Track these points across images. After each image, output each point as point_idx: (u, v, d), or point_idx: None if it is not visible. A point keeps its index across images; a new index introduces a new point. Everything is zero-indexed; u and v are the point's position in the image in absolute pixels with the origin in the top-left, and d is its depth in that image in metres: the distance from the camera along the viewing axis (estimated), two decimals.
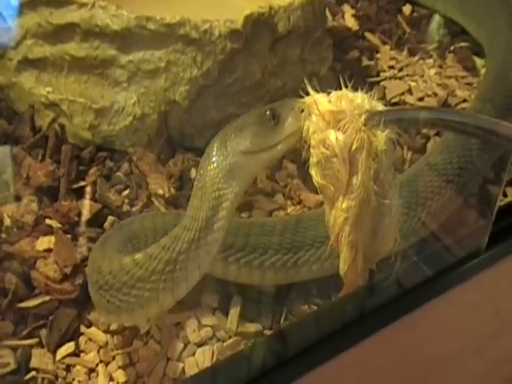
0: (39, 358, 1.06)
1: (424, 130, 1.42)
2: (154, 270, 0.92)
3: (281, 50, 1.38)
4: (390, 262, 0.87)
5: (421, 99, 1.52)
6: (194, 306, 1.12)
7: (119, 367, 1.06)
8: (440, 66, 1.62)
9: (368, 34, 1.71)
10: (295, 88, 1.38)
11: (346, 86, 0.86)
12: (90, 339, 1.09)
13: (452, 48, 1.66)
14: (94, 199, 1.25)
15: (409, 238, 1.10)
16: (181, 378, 1.04)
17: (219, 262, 1.10)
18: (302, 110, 0.88)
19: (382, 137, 0.83)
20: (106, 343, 1.09)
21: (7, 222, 1.21)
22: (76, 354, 1.08)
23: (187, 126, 1.34)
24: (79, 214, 1.21)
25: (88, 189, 1.27)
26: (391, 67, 1.62)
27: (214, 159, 0.94)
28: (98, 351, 1.08)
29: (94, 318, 1.10)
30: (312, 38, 1.42)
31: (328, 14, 1.64)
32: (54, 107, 1.35)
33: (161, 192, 1.24)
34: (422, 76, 1.58)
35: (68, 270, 1.12)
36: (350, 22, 1.73)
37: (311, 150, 0.85)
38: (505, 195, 1.31)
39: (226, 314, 1.12)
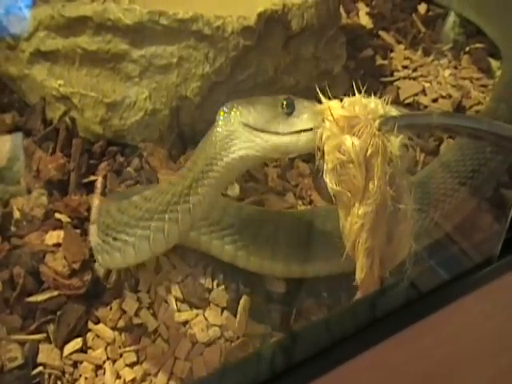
0: (46, 354, 1.06)
1: (437, 132, 1.41)
2: (149, 210, 0.96)
3: (294, 48, 1.37)
4: (402, 268, 0.86)
5: (435, 100, 1.50)
6: (203, 306, 1.12)
7: (126, 365, 1.06)
8: (455, 67, 1.61)
9: (382, 33, 1.69)
10: (308, 86, 1.40)
11: (360, 91, 0.85)
12: (98, 336, 1.09)
13: (467, 49, 1.65)
14: (103, 194, 1.24)
15: (420, 240, 1.09)
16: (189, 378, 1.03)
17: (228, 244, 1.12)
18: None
19: (396, 142, 0.82)
20: (114, 340, 1.08)
21: (17, 215, 1.21)
22: (83, 350, 1.08)
23: (199, 122, 1.33)
24: (89, 209, 1.21)
25: (98, 183, 1.26)
26: (405, 67, 1.60)
27: (216, 124, 0.98)
28: (106, 348, 1.08)
29: (102, 315, 1.10)
30: (326, 36, 1.41)
31: (342, 11, 1.62)
32: (66, 100, 1.34)
33: None
34: (437, 77, 1.57)
35: (77, 266, 1.12)
36: (365, 20, 1.71)
37: (326, 157, 0.84)
38: None
39: (235, 313, 1.11)
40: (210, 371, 1.03)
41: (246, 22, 1.28)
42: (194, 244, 1.14)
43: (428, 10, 1.77)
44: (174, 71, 1.29)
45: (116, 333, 1.09)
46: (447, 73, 1.58)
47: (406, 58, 1.62)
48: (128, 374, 1.05)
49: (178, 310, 1.11)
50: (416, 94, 1.52)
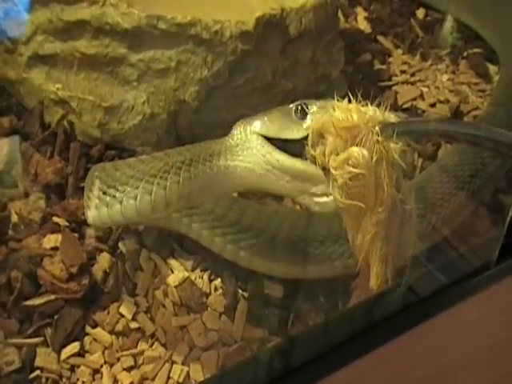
0: (44, 357, 1.06)
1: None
2: (141, 171, 0.98)
3: (292, 52, 1.37)
4: (401, 273, 0.87)
5: (433, 105, 1.51)
6: (200, 310, 1.12)
7: (124, 369, 1.06)
8: (453, 72, 1.61)
9: (380, 38, 1.69)
10: (306, 90, 1.40)
11: (356, 97, 0.85)
12: (95, 340, 1.09)
13: (465, 54, 1.65)
14: None
15: (418, 245, 1.10)
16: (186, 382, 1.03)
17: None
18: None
19: (396, 148, 0.82)
20: (111, 344, 1.08)
21: (15, 218, 1.21)
22: (81, 354, 1.08)
23: (197, 127, 1.33)
24: None
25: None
26: (403, 72, 1.60)
27: (232, 133, 0.99)
28: (103, 352, 1.08)
29: (100, 319, 1.10)
30: (324, 41, 1.41)
31: (340, 16, 1.63)
32: (64, 104, 1.34)
33: None
34: (435, 82, 1.57)
35: (74, 270, 1.11)
36: (363, 25, 1.72)
37: (334, 172, 0.83)
38: None
39: (233, 318, 1.11)
40: (208, 376, 1.03)
41: (244, 27, 1.28)
42: (195, 236, 1.15)
43: (426, 15, 1.77)
44: (172, 75, 1.29)
45: (113, 337, 1.09)
46: (445, 78, 1.59)
47: (404, 63, 1.63)
48: (125, 378, 1.05)
49: (176, 315, 1.11)
50: (414, 99, 1.52)
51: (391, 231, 0.83)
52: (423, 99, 1.53)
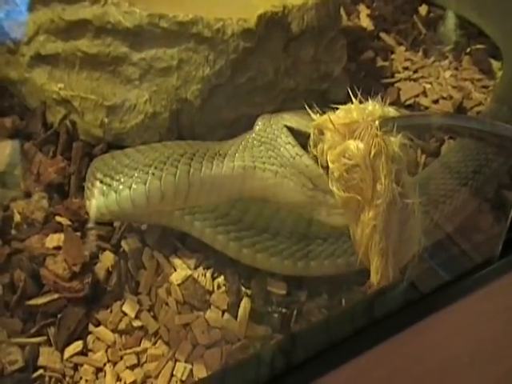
0: (47, 357, 1.06)
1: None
2: (136, 160, 0.97)
3: (294, 50, 1.37)
4: (404, 268, 0.86)
5: (436, 102, 1.50)
6: (203, 308, 1.11)
7: (127, 367, 1.06)
8: (456, 68, 1.61)
9: (383, 35, 1.69)
10: (308, 88, 1.39)
11: (356, 95, 0.85)
12: (98, 338, 1.09)
13: (468, 50, 1.65)
14: None
15: (422, 240, 1.10)
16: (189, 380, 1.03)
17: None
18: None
19: (396, 142, 0.82)
20: (114, 343, 1.08)
21: (17, 218, 1.21)
22: (84, 353, 1.07)
23: (199, 125, 1.33)
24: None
25: None
26: (406, 68, 1.60)
27: (254, 129, 0.97)
28: (106, 351, 1.07)
29: (103, 318, 1.10)
30: (326, 38, 1.41)
31: (343, 13, 1.62)
32: (66, 104, 1.34)
33: None
34: (438, 78, 1.57)
35: (77, 269, 1.12)
36: (365, 22, 1.71)
37: (331, 166, 0.83)
38: None
39: (236, 316, 1.11)
40: (211, 373, 1.03)
41: (246, 25, 1.28)
42: (198, 234, 1.15)
43: (429, 12, 1.76)
44: (174, 74, 1.28)
45: (116, 335, 1.09)
46: (448, 74, 1.58)
47: (407, 60, 1.62)
48: (129, 376, 1.05)
49: (179, 313, 1.11)
50: (417, 96, 1.52)
51: (391, 225, 0.83)
52: (426, 96, 1.52)
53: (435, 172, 1.24)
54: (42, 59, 1.35)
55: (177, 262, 1.17)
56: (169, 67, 1.28)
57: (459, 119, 0.93)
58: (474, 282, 0.94)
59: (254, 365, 0.92)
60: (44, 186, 1.25)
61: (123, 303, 1.11)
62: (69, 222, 1.20)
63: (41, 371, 1.05)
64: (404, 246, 0.85)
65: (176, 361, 1.06)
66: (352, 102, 0.86)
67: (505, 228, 0.96)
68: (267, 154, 0.94)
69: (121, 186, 0.96)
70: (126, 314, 1.10)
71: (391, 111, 0.84)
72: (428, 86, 1.55)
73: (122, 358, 1.07)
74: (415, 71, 1.59)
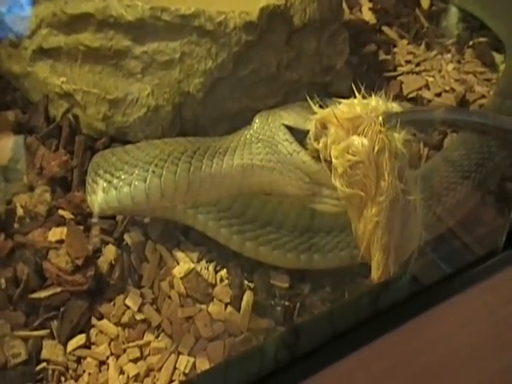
0: (50, 350, 1.06)
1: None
2: (136, 157, 0.96)
3: (297, 43, 1.36)
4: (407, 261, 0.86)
5: (438, 95, 1.50)
6: (206, 301, 1.12)
7: (130, 360, 1.06)
8: (458, 61, 1.60)
9: (385, 28, 1.68)
10: (311, 81, 1.39)
11: (359, 90, 0.85)
12: (101, 331, 1.09)
13: (471, 43, 1.64)
14: None
15: (424, 233, 1.10)
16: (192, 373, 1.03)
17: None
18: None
19: (399, 138, 0.82)
20: (117, 336, 1.08)
21: (20, 212, 1.21)
22: (87, 346, 1.08)
23: (201, 118, 1.33)
24: None
25: None
26: (408, 62, 1.59)
27: (252, 126, 0.97)
28: (109, 344, 1.08)
29: (106, 311, 1.10)
30: (328, 31, 1.41)
31: (345, 6, 1.62)
32: (68, 97, 1.34)
33: None
34: (440, 71, 1.56)
35: (80, 262, 1.12)
36: (368, 16, 1.71)
37: (334, 161, 0.83)
38: None
39: (238, 308, 1.11)
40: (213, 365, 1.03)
41: (248, 18, 1.27)
42: (201, 227, 1.15)
43: (431, 5, 1.76)
44: (177, 67, 1.28)
45: (119, 328, 1.09)
46: (451, 67, 1.58)
47: (410, 53, 1.62)
48: (132, 369, 1.05)
49: (182, 306, 1.11)
50: (419, 89, 1.51)
51: (393, 221, 0.83)
52: (429, 89, 1.52)
53: (438, 165, 1.24)
54: (44, 53, 1.35)
55: (179, 255, 1.17)
56: (171, 60, 1.28)
57: (462, 113, 0.93)
58: (477, 275, 0.94)
59: (257, 357, 0.92)
60: (47, 180, 1.26)
61: (126, 296, 1.12)
62: (71, 216, 1.20)
63: (44, 364, 1.05)
64: (405, 242, 0.86)
65: (179, 354, 1.07)
66: (355, 97, 0.86)
67: (508, 220, 0.97)
68: (265, 150, 0.94)
69: (121, 183, 0.96)
70: (128, 308, 1.11)
71: (394, 106, 0.84)
72: (431, 79, 1.54)
73: (124, 351, 1.07)
74: (418, 64, 1.59)
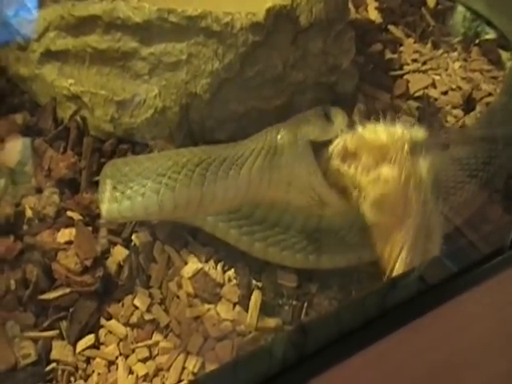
0: (59, 350, 1.07)
1: (448, 124, 1.41)
2: (149, 169, 0.97)
3: (303, 43, 1.36)
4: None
5: (445, 93, 1.50)
6: (214, 301, 1.12)
7: (139, 360, 1.07)
8: (464, 60, 1.60)
9: (391, 27, 1.69)
10: (317, 81, 1.39)
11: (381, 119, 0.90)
12: (110, 332, 1.09)
13: (477, 41, 1.64)
14: None
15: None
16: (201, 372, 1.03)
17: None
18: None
19: (424, 166, 0.89)
20: (126, 336, 1.09)
21: (29, 213, 1.22)
22: (96, 346, 1.08)
23: (208, 119, 1.33)
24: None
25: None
26: (415, 60, 1.60)
27: (275, 137, 0.98)
28: (118, 344, 1.08)
29: (114, 311, 1.11)
30: (334, 31, 1.41)
31: (351, 6, 1.62)
32: (76, 99, 1.35)
33: None
34: (446, 69, 1.56)
35: (88, 263, 1.12)
36: (374, 15, 1.71)
37: (366, 189, 0.89)
38: None
39: (246, 308, 1.11)
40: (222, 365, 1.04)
41: (254, 18, 1.28)
42: (210, 229, 1.16)
43: (437, 4, 1.76)
44: (184, 68, 1.29)
45: (128, 328, 1.09)
46: (457, 65, 1.58)
47: (416, 52, 1.62)
48: (141, 369, 1.06)
49: (190, 306, 1.12)
50: (426, 87, 1.51)
51: (418, 242, 0.90)
52: (435, 87, 1.52)
53: (445, 164, 1.24)
54: (52, 55, 1.35)
55: (187, 255, 1.18)
56: (178, 62, 1.28)
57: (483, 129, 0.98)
58: (485, 273, 0.94)
59: (265, 357, 0.93)
60: (55, 182, 1.26)
61: (135, 297, 1.12)
62: (80, 217, 1.21)
63: (53, 365, 1.06)
64: (428, 251, 0.93)
65: (187, 353, 1.07)
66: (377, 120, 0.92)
67: None
68: (287, 166, 0.96)
69: (134, 195, 0.97)
70: (137, 308, 1.11)
71: (418, 135, 0.90)
72: (437, 77, 1.55)
73: (133, 351, 1.08)
74: (424, 63, 1.59)
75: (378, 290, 0.92)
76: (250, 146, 0.98)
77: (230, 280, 1.15)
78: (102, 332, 1.09)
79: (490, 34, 1.67)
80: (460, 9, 1.73)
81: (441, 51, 1.62)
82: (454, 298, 0.91)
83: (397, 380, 0.90)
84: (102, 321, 1.10)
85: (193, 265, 1.16)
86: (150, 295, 1.13)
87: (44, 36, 1.35)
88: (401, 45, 1.65)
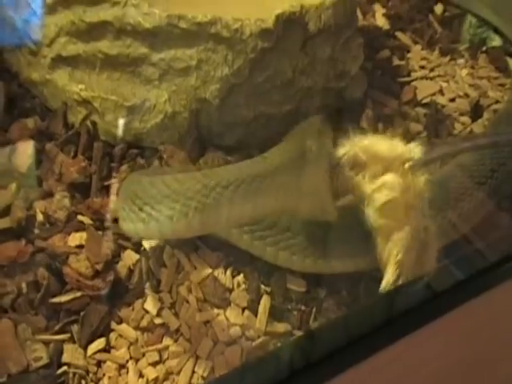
0: (71, 353, 1.08)
1: (455, 131, 1.42)
2: (177, 192, 0.98)
3: (312, 49, 1.37)
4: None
5: (452, 100, 1.51)
6: (224, 305, 1.13)
7: (149, 364, 1.07)
8: (472, 67, 1.61)
9: (399, 34, 1.69)
10: (326, 87, 1.40)
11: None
12: (121, 335, 1.10)
13: (484, 48, 1.65)
14: None
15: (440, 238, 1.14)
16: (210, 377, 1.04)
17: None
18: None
19: (422, 180, 0.99)
20: (137, 340, 1.10)
21: (40, 217, 1.22)
22: (106, 349, 1.09)
23: (218, 125, 1.34)
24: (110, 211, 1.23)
25: (119, 185, 1.28)
26: (422, 67, 1.60)
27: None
28: (129, 348, 1.09)
29: (125, 315, 1.11)
30: (343, 37, 1.42)
31: (359, 13, 1.63)
32: (87, 104, 1.36)
33: None
34: (454, 76, 1.57)
35: (99, 267, 1.13)
36: (381, 22, 1.72)
37: (373, 195, 0.99)
38: None
39: (255, 313, 1.12)
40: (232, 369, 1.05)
41: (264, 24, 1.29)
42: (224, 235, 1.18)
43: (444, 11, 1.77)
44: (193, 74, 1.30)
45: (138, 332, 1.10)
46: (464, 72, 1.58)
47: (423, 59, 1.63)
48: (151, 372, 1.06)
49: (200, 310, 1.13)
50: (433, 94, 1.52)
51: (413, 245, 0.98)
52: (443, 94, 1.53)
53: (453, 170, 1.25)
54: (63, 61, 1.36)
55: (197, 260, 1.19)
56: (188, 67, 1.29)
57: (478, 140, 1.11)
58: (493, 279, 0.94)
59: (273, 362, 0.93)
60: (66, 186, 1.27)
61: (145, 301, 1.13)
62: (90, 221, 1.22)
63: (65, 368, 1.06)
64: (421, 265, 0.99)
65: (197, 357, 1.08)
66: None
67: None
68: (308, 174, 1.02)
69: (162, 218, 0.98)
70: (147, 312, 1.12)
71: (417, 151, 1.00)
72: (444, 84, 1.55)
73: (144, 355, 1.08)
74: (431, 70, 1.59)
75: (386, 296, 0.92)
76: (270, 162, 1.01)
77: (239, 285, 1.16)
78: (112, 336, 1.10)
79: (497, 41, 1.67)
80: (467, 16, 1.73)
81: (448, 58, 1.63)
82: (462, 305, 0.92)
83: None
84: (113, 324, 1.11)
85: (202, 270, 1.17)
86: (160, 299, 1.13)
87: (55, 41, 1.36)
88: (408, 51, 1.65)
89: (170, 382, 1.06)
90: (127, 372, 1.07)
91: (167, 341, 1.10)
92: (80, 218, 1.23)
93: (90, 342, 1.09)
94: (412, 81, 1.57)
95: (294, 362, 0.89)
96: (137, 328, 1.11)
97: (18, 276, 1.13)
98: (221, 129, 1.35)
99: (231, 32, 1.27)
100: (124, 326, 1.11)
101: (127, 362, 1.08)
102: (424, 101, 1.51)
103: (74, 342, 1.09)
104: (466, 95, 1.52)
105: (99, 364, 1.08)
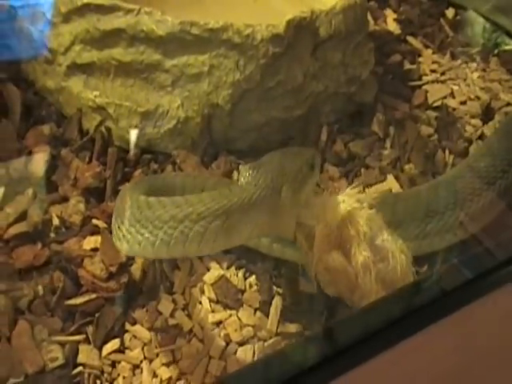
0: (86, 354, 1.09)
1: (466, 134, 1.42)
2: (175, 217, 0.97)
3: (322, 54, 1.39)
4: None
5: (463, 103, 1.51)
6: (236, 306, 1.14)
7: (163, 364, 1.08)
8: (483, 70, 1.61)
9: (410, 38, 1.70)
10: (336, 92, 1.42)
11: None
12: (135, 336, 1.12)
13: (496, 51, 1.65)
14: None
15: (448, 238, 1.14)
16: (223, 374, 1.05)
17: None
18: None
19: (363, 216, 1.05)
20: (150, 340, 1.11)
21: (56, 221, 1.24)
22: (121, 350, 1.10)
23: (230, 130, 1.36)
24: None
25: None
26: (433, 71, 1.61)
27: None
28: (143, 348, 1.10)
29: (139, 316, 1.13)
30: (354, 42, 1.43)
31: (370, 18, 1.65)
32: (101, 111, 1.38)
33: None
34: (465, 79, 1.58)
35: (114, 269, 1.15)
36: (392, 26, 1.73)
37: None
38: None
39: (267, 314, 1.13)
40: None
41: (275, 30, 1.30)
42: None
43: (456, 15, 1.77)
44: (206, 80, 1.31)
45: (152, 333, 1.11)
46: (476, 75, 1.59)
47: (434, 62, 1.63)
48: (164, 373, 1.07)
49: (212, 311, 1.14)
50: (444, 97, 1.53)
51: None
52: (454, 97, 1.53)
53: (463, 171, 1.26)
54: (77, 68, 1.39)
55: (210, 262, 1.20)
56: (200, 73, 1.31)
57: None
58: (502, 278, 0.95)
59: (286, 361, 0.94)
60: (81, 191, 1.29)
61: (158, 302, 1.14)
62: (105, 225, 1.23)
63: (80, 368, 1.08)
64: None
65: (210, 358, 1.09)
66: None
67: None
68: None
69: (158, 242, 0.98)
70: (161, 313, 1.13)
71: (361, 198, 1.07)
72: (456, 87, 1.56)
73: (157, 356, 1.10)
74: (443, 73, 1.60)
75: (398, 293, 0.93)
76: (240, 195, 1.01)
77: (251, 286, 1.17)
78: (126, 336, 1.12)
79: (510, 45, 1.67)
80: (479, 20, 1.73)
81: (459, 61, 1.64)
82: (472, 302, 0.92)
83: (422, 380, 0.91)
84: (127, 326, 1.12)
85: (215, 271, 1.18)
86: (174, 301, 1.15)
87: (70, 50, 1.38)
88: (419, 55, 1.66)
89: (183, 382, 1.07)
90: (141, 372, 1.08)
91: (180, 341, 1.11)
92: (95, 221, 1.25)
93: (105, 342, 1.10)
94: (423, 84, 1.57)
95: (308, 359, 0.90)
96: (150, 329, 1.12)
97: (34, 279, 1.15)
98: (233, 133, 1.37)
99: (243, 38, 1.29)
100: (138, 326, 1.12)
101: (141, 362, 1.09)
102: (435, 104, 1.52)
103: (89, 343, 1.10)
104: (477, 98, 1.53)
105: (114, 364, 1.09)
